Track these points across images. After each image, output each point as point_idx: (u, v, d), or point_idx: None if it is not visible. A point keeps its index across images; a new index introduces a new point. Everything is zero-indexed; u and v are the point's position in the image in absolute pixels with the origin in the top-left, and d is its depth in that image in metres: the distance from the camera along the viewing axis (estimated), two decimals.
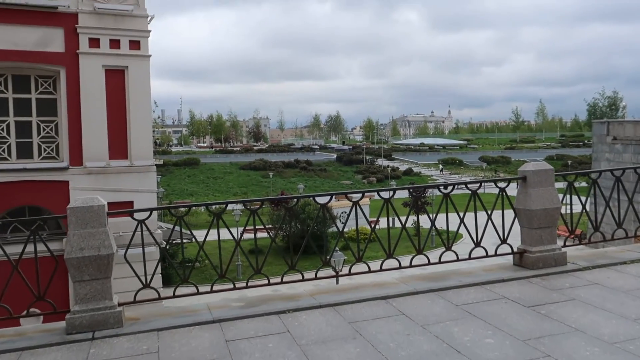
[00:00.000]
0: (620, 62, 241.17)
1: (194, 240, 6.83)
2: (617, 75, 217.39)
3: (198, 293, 5.35)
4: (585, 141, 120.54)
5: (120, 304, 4.99)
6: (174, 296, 5.22)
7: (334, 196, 6.03)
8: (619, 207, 6.85)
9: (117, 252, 5.02)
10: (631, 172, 7.16)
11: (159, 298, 5.16)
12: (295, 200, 5.96)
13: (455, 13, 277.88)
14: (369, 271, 5.72)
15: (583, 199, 6.64)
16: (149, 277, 5.18)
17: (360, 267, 5.92)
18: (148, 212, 5.18)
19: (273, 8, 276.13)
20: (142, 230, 5.09)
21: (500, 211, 6.26)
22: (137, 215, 5.13)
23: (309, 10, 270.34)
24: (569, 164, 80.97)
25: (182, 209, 5.65)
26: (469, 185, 6.35)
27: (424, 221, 6.38)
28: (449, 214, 6.03)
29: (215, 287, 5.53)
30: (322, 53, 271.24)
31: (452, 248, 6.17)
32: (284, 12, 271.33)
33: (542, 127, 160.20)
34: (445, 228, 6.24)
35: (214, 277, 5.83)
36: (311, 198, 6.27)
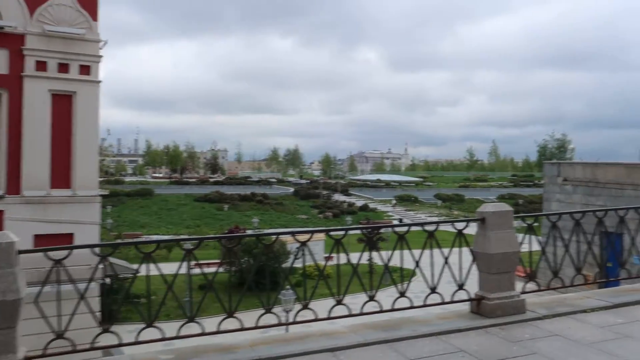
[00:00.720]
0: (569, 107, 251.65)
1: (139, 273, 6.19)
2: (565, 118, 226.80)
3: (120, 345, 4.73)
4: (536, 181, 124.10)
5: (27, 358, 4.32)
6: (91, 349, 4.58)
7: (287, 231, 5.57)
8: (578, 251, 6.62)
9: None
10: (582, 214, 6.97)
11: (73, 351, 4.50)
12: (237, 241, 5.44)
13: (413, 54, 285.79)
14: (316, 319, 5.22)
15: (537, 239, 6.39)
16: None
17: (307, 312, 5.42)
18: (67, 251, 4.57)
19: (236, 42, 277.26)
20: (58, 270, 4.47)
21: (458, 250, 5.91)
22: (54, 254, 4.52)
23: (271, 45, 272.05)
24: (520, 203, 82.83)
25: (109, 248, 5.05)
26: (426, 227, 5.97)
27: (379, 257, 5.92)
28: (405, 252, 5.63)
29: (147, 334, 4.91)
30: (282, 88, 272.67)
31: (408, 283, 5.76)
32: (246, 46, 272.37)
33: (494, 167, 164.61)
34: (400, 265, 5.83)
35: (161, 315, 5.23)
36: (273, 234, 5.78)
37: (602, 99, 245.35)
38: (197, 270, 6.13)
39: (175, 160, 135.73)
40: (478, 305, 5.83)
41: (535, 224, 6.77)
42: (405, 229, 5.76)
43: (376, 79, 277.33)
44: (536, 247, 6.47)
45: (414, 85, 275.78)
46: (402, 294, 5.65)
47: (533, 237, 6.32)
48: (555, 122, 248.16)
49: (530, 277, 6.31)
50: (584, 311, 5.98)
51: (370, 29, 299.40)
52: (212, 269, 6.85)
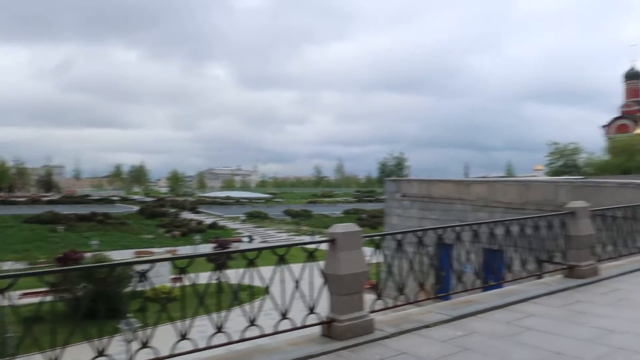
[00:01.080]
0: (405, 127, 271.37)
1: None
2: (403, 138, 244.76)
3: None
4: (377, 196, 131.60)
5: None
6: None
7: (133, 256, 5.01)
8: (421, 263, 6.88)
9: None
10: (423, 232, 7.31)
11: None
12: (62, 275, 4.77)
13: (261, 73, 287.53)
14: (157, 358, 4.73)
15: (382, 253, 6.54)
16: None
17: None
18: None
19: (75, 51, 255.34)
20: None
21: (313, 272, 5.80)
22: None
23: (114, 57, 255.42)
24: (364, 217, 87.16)
25: None
26: (277, 250, 5.77)
27: (228, 277, 5.58)
28: (254, 272, 5.37)
29: None
30: (127, 101, 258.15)
31: (259, 309, 5.51)
32: (87, 57, 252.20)
33: (340, 183, 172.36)
34: (249, 283, 5.56)
35: None
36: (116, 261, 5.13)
37: (433, 121, 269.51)
38: (23, 301, 5.31)
39: (0, 178, 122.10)
40: (329, 328, 5.75)
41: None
42: (255, 253, 5.51)
43: (225, 96, 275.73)
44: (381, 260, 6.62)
45: (263, 103, 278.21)
46: (252, 323, 5.38)
47: (379, 253, 6.45)
48: (394, 141, 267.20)
49: (378, 295, 6.41)
50: (427, 326, 6.19)
51: (219, 45, 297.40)
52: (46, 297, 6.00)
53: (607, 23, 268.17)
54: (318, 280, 5.81)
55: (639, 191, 17.62)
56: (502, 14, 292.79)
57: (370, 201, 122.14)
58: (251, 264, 5.38)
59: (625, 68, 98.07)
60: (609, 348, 5.45)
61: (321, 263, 5.89)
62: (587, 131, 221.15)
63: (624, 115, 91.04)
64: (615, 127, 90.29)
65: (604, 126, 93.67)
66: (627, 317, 6.47)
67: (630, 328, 6.08)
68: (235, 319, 5.45)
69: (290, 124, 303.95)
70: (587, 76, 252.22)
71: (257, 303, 5.61)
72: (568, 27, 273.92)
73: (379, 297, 6.41)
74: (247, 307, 5.61)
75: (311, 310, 5.73)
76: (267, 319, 5.50)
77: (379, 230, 76.92)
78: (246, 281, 5.50)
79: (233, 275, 5.83)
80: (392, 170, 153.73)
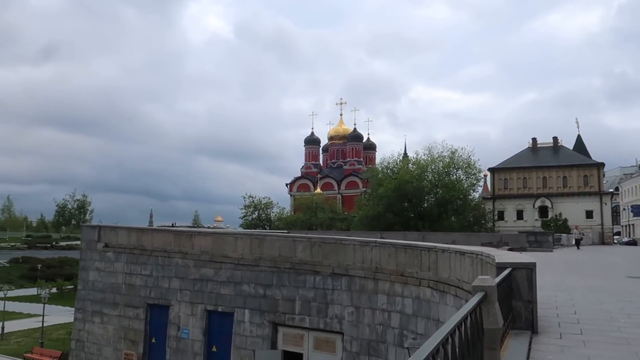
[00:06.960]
0: (76, 168, 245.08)
1: None
2: (71, 180, 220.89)
3: None
4: (54, 243, 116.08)
5: None
6: None
7: None
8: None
9: None
10: None
11: None
12: None
13: None
14: None
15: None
16: None
17: None
18: None
19: None
20: None
21: None
22: None
23: None
24: (38, 268, 74.67)
25: None
26: None
27: None
28: None
29: None
30: None
31: None
32: None
33: (5, 225, 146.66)
34: None
35: None
36: None
37: (106, 164, 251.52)
38: None
39: None
40: None
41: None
42: None
43: None
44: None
45: None
46: None
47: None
48: (63, 182, 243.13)
49: None
50: None
51: None
52: None
53: (265, 94, 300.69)
54: None
55: (383, 249, 17.42)
56: (170, 68, 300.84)
57: (46, 248, 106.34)
58: None
59: (302, 134, 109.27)
60: None
61: None
62: (259, 188, 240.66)
63: (304, 175, 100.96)
64: (297, 186, 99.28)
65: (287, 184, 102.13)
66: None
67: None
68: None
69: None
70: (250, 137, 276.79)
71: None
72: (233, 90, 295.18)
73: None
74: None
75: None
76: None
77: (60, 284, 66.13)
78: None
79: None
80: (73, 213, 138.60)
